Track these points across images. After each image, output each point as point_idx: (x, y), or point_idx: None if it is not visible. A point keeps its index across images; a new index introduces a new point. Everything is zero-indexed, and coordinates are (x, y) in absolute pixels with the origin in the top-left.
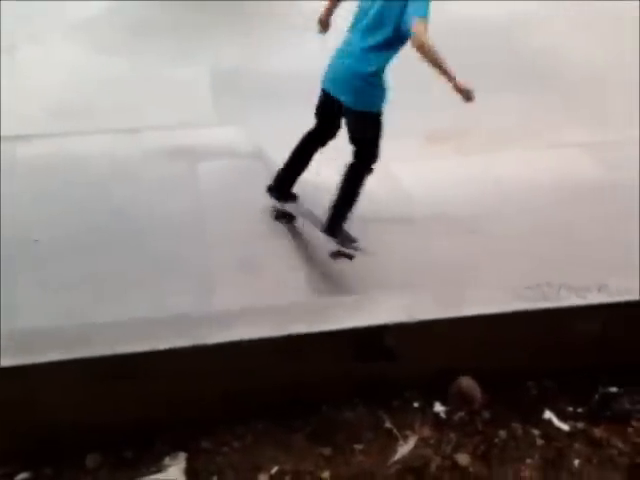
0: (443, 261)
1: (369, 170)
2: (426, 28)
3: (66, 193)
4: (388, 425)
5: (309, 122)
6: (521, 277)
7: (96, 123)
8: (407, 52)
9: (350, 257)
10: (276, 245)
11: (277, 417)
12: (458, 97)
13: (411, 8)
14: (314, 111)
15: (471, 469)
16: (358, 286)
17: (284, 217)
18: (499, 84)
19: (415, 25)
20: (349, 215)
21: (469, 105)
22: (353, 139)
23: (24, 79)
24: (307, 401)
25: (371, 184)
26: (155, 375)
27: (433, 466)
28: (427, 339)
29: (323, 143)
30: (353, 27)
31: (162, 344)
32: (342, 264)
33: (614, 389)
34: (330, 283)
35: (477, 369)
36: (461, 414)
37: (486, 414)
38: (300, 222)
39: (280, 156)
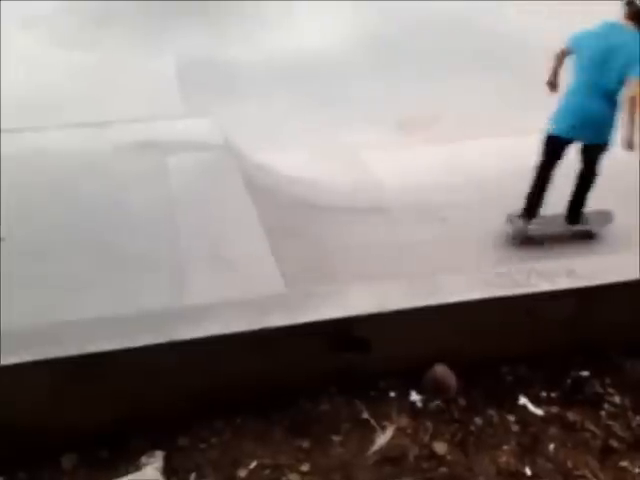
0: (414, 249)
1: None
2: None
3: (32, 190)
4: (365, 416)
5: (277, 111)
6: (491, 264)
7: (61, 117)
8: (380, 40)
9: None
10: (248, 238)
11: (255, 411)
12: (428, 85)
13: (635, 68)
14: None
15: (449, 457)
16: (331, 277)
17: (527, 239)
18: (469, 71)
19: (634, 81)
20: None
21: (439, 93)
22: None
23: None
24: (284, 394)
25: (341, 173)
26: (128, 373)
27: (411, 455)
28: (400, 328)
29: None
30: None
31: (134, 341)
32: (314, 255)
33: (586, 373)
34: (303, 275)
35: (451, 357)
36: (437, 402)
37: (462, 401)
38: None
39: (249, 146)
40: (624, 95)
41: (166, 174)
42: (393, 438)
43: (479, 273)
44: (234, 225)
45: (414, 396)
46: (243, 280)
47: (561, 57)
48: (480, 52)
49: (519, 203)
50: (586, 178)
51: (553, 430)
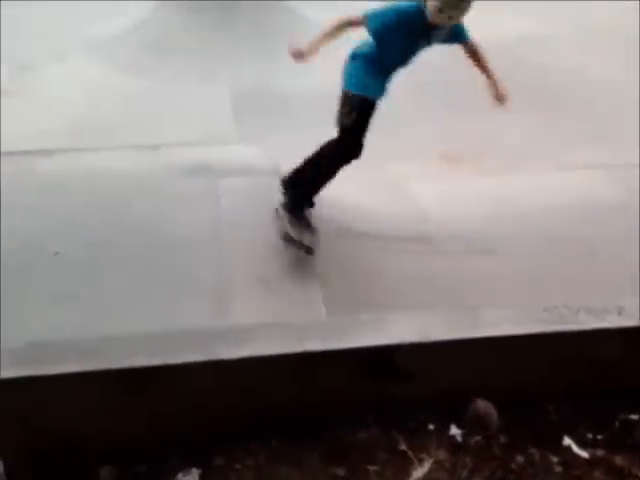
0: (459, 281)
1: (345, 159)
2: (355, 19)
3: (85, 207)
4: (403, 447)
5: (325, 140)
6: (538, 298)
7: (117, 139)
8: (426, 73)
9: (299, 245)
10: (292, 262)
11: (291, 435)
12: (475, 117)
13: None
14: None
15: None
16: (373, 305)
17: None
18: (515, 104)
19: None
20: (310, 193)
21: (486, 125)
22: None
23: (46, 95)
24: (321, 419)
25: (388, 203)
26: (169, 390)
27: None
28: (442, 360)
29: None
30: None
31: (176, 359)
32: (357, 282)
33: (635, 416)
34: (345, 302)
35: (494, 392)
36: (477, 438)
37: (503, 438)
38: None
39: None
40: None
41: (215, 197)
42: (430, 472)
43: (526, 307)
44: (280, 249)
45: (454, 430)
46: (285, 304)
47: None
48: (527, 85)
49: (566, 236)
50: (328, 145)
51: (598, 474)
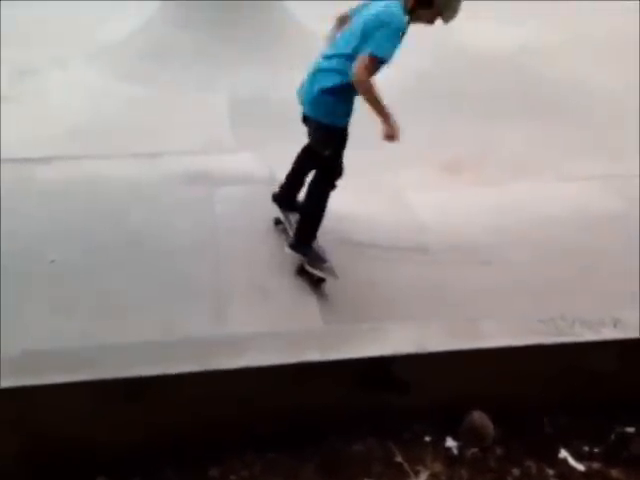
0: (457, 292)
1: (332, 185)
2: (370, 67)
3: (84, 215)
4: (398, 459)
5: None
6: (535, 309)
7: (116, 147)
8: (424, 84)
9: (314, 278)
10: (289, 271)
11: (286, 446)
12: (475, 127)
13: (369, 44)
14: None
15: None
16: (370, 315)
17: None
18: (514, 115)
19: (359, 61)
20: (315, 232)
21: (486, 135)
22: (314, 152)
23: (46, 102)
24: (317, 431)
25: (387, 213)
26: (165, 399)
27: None
28: (439, 371)
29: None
30: (336, 40)
31: (172, 368)
32: (355, 292)
33: (631, 429)
34: (342, 311)
35: (490, 404)
36: (473, 450)
37: (499, 451)
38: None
39: None
40: (353, 80)
41: (212, 205)
42: None
43: (522, 319)
44: (276, 258)
45: (450, 442)
46: (282, 313)
47: (338, 25)
48: (527, 95)
49: (565, 247)
50: (318, 180)
51: None
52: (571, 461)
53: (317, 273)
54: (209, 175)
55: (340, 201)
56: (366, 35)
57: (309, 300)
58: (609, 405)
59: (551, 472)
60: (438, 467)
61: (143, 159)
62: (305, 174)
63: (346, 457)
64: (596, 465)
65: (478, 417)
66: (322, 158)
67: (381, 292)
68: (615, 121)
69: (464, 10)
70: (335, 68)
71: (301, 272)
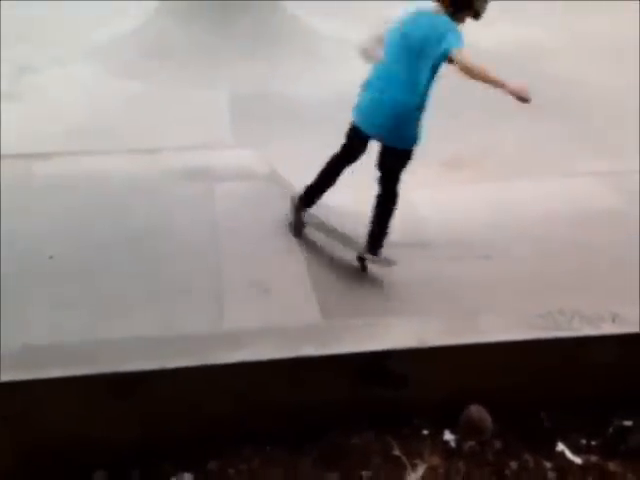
0: (456, 287)
1: (397, 196)
2: (465, 54)
3: (82, 211)
4: (397, 452)
5: (324, 145)
6: (534, 304)
7: (114, 143)
8: None
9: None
10: (289, 267)
11: (285, 440)
12: (476, 124)
13: (448, 42)
14: (344, 139)
15: None
16: (370, 310)
17: (297, 228)
18: (515, 112)
19: (457, 54)
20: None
21: (486, 132)
22: (382, 169)
23: (45, 98)
24: (315, 425)
25: None
26: (163, 394)
27: None
28: (437, 365)
29: (349, 164)
30: (390, 60)
31: (170, 363)
32: (354, 287)
33: (629, 422)
34: (341, 306)
35: (488, 397)
36: (471, 443)
37: (497, 444)
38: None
39: (295, 178)
40: (460, 71)
41: (212, 201)
42: (424, 477)
43: (521, 314)
44: (275, 254)
45: (448, 435)
46: (280, 309)
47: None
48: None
49: (565, 243)
50: (383, 202)
51: None
52: (568, 454)
53: (379, 264)
54: (209, 171)
55: (341, 197)
56: (429, 47)
57: (308, 295)
58: (607, 399)
59: (549, 465)
60: (436, 460)
61: (143, 155)
62: (337, 178)
63: (344, 451)
64: (594, 458)
65: (476, 411)
66: (394, 177)
67: (380, 287)
68: (615, 118)
69: None
70: (406, 94)
71: (361, 261)
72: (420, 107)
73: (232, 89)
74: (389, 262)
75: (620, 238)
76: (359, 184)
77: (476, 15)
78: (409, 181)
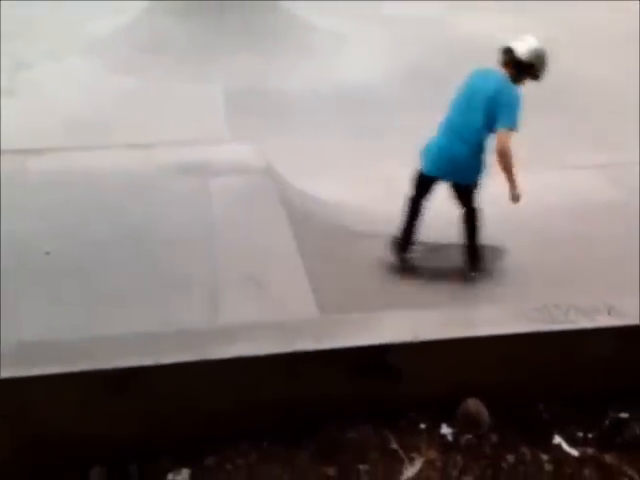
0: (451, 280)
1: (476, 210)
2: (509, 140)
3: (78, 206)
4: (394, 446)
5: (319, 140)
6: (531, 297)
7: (110, 138)
8: (421, 74)
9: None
10: (284, 261)
11: (282, 435)
12: None
13: (503, 116)
14: (413, 183)
15: None
16: (366, 304)
17: (406, 268)
18: None
19: (502, 137)
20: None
21: None
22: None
23: (40, 94)
24: (312, 419)
25: (383, 202)
26: (159, 389)
27: None
28: (434, 359)
29: (425, 200)
30: (452, 111)
31: (167, 358)
32: (350, 281)
33: (625, 415)
34: (338, 300)
35: (485, 391)
36: (468, 437)
37: (494, 437)
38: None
39: (290, 173)
40: (495, 147)
41: (207, 196)
42: (421, 471)
43: (517, 307)
44: (271, 249)
45: (445, 429)
46: (277, 304)
47: None
48: (527, 86)
49: (564, 236)
50: (467, 220)
51: (588, 472)
52: (565, 447)
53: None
54: (204, 166)
55: (337, 191)
56: (492, 110)
57: (303, 291)
58: (603, 391)
59: (545, 458)
60: (433, 454)
61: (138, 150)
62: (420, 215)
63: (341, 445)
64: (590, 450)
65: (473, 404)
66: (467, 200)
67: (376, 280)
68: (615, 111)
69: (463, 1)
70: (468, 141)
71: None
72: (476, 154)
73: (227, 84)
74: (488, 273)
75: (619, 231)
76: (356, 179)
77: (535, 78)
78: (404, 174)
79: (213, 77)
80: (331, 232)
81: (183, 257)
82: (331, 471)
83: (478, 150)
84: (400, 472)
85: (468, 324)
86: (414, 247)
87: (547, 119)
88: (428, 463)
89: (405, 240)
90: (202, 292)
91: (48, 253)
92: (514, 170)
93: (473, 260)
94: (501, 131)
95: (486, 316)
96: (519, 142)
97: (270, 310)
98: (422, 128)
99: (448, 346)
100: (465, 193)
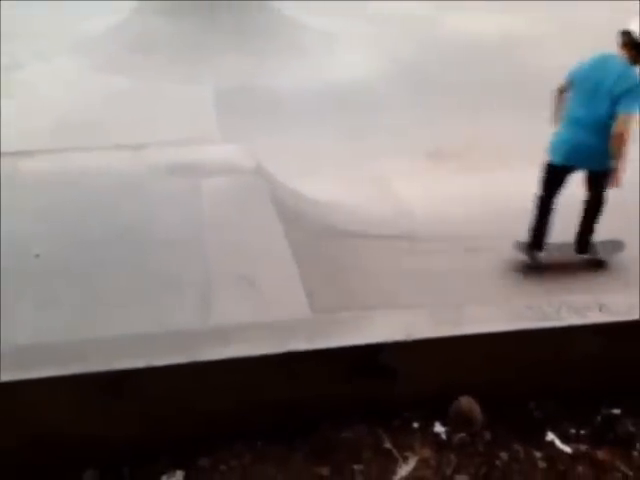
0: (443, 279)
1: (604, 200)
2: (629, 123)
3: (68, 208)
4: (388, 445)
5: (309, 139)
6: (521, 296)
7: (100, 139)
8: (413, 73)
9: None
10: (276, 261)
11: (276, 435)
12: (461, 116)
13: (624, 101)
14: (542, 179)
15: None
16: (358, 303)
17: (536, 268)
18: (500, 104)
19: (622, 120)
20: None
21: (473, 124)
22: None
23: (29, 95)
24: (306, 419)
25: (373, 201)
26: (152, 391)
27: None
28: (426, 358)
29: (555, 198)
30: (574, 103)
31: (160, 360)
32: (342, 281)
33: (617, 411)
34: (330, 300)
35: (477, 389)
36: (461, 435)
37: (487, 435)
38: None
39: (281, 172)
40: (612, 131)
41: (199, 197)
42: (415, 470)
43: (508, 305)
44: (263, 249)
45: (438, 427)
46: (269, 304)
47: (559, 94)
48: (513, 84)
49: (552, 235)
50: (593, 206)
51: (581, 469)
52: (558, 443)
53: (600, 256)
54: (196, 166)
55: (327, 190)
56: (615, 97)
57: (296, 291)
58: (595, 388)
59: (539, 455)
60: (427, 452)
61: (129, 151)
62: (551, 215)
63: (335, 445)
64: (583, 447)
65: (466, 402)
66: (600, 187)
67: (368, 280)
68: None
69: (451, 0)
70: (596, 131)
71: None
72: (605, 141)
73: (218, 84)
74: (612, 250)
75: (606, 228)
76: (347, 178)
77: None
78: (395, 173)
79: (204, 77)
80: (321, 231)
81: (175, 257)
82: (325, 471)
83: (607, 137)
84: (394, 471)
85: (460, 322)
86: (545, 247)
87: (532, 116)
88: (422, 462)
89: (536, 240)
90: (194, 292)
91: (37, 256)
92: (626, 150)
93: (586, 243)
94: (622, 115)
95: (478, 314)
96: (505, 140)
97: (263, 310)
98: (412, 127)
99: (440, 344)
100: (601, 179)
